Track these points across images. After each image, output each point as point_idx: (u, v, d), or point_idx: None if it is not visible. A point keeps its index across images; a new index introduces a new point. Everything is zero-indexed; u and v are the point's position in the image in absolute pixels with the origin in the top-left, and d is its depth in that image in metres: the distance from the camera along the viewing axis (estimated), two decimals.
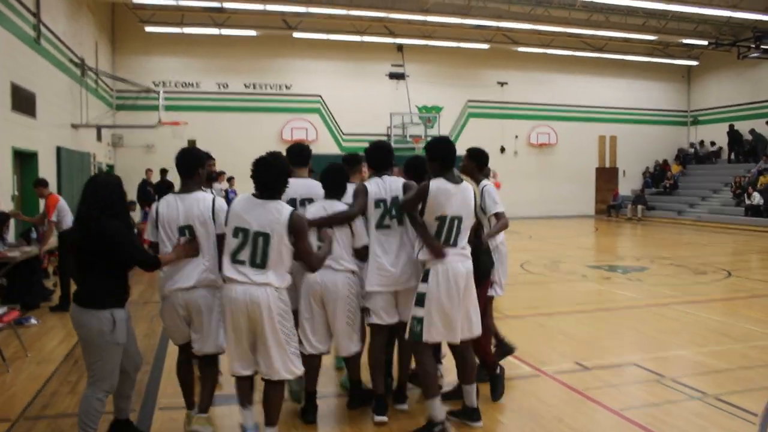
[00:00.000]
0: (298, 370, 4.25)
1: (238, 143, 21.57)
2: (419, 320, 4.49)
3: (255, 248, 4.07)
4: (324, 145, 24.31)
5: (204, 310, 4.42)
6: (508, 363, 6.35)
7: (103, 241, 3.94)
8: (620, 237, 21.46)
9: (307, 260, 4.29)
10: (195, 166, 4.53)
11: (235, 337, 4.16)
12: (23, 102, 11.85)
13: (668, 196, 28.24)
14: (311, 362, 4.79)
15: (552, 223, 25.47)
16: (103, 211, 3.98)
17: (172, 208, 4.45)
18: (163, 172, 16.60)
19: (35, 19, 12.81)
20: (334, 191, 4.99)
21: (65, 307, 9.33)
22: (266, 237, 4.05)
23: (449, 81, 26.69)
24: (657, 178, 29.69)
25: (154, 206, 4.58)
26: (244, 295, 4.03)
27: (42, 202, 10.71)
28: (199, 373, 4.73)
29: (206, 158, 4.83)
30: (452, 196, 4.58)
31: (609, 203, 28.96)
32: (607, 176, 29.76)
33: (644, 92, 29.94)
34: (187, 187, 4.52)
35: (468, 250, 4.68)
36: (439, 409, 4.55)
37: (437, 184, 4.58)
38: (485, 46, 25.55)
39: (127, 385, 4.36)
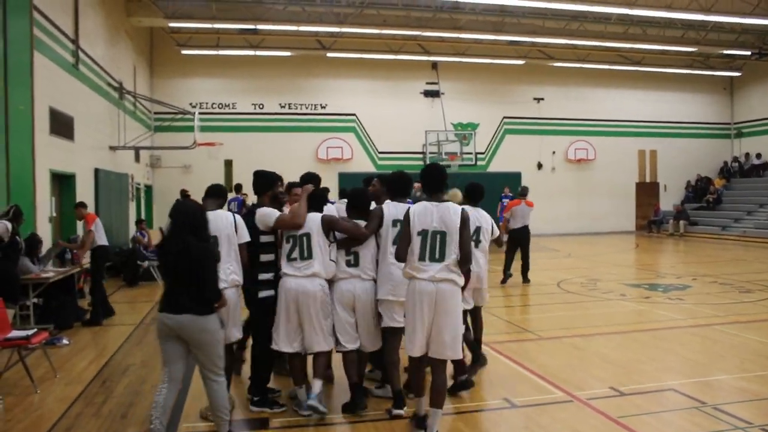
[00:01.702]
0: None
1: (273, 163, 21.31)
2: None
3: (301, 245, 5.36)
4: (359, 164, 24.38)
5: (230, 304, 5.24)
6: (538, 387, 6.20)
7: (199, 262, 4.52)
8: (661, 254, 20.93)
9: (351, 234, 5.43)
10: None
11: (286, 318, 5.34)
12: (61, 125, 12.15)
13: (711, 211, 27.48)
14: (348, 357, 5.52)
15: (591, 239, 25.00)
16: (193, 234, 4.57)
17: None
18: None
19: (74, 45, 13.16)
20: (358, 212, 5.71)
21: (97, 320, 9.59)
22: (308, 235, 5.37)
23: (485, 97, 26.56)
24: (699, 192, 28.96)
25: None
26: (296, 285, 5.29)
27: (80, 225, 10.99)
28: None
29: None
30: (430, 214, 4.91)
31: (650, 219, 28.33)
32: (647, 191, 29.14)
33: (684, 105, 29.33)
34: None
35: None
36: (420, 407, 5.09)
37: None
38: (520, 61, 25.39)
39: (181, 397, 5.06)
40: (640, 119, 28.63)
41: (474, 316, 6.82)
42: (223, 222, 5.38)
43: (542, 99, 27.29)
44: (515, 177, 26.48)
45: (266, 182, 5.72)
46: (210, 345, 4.57)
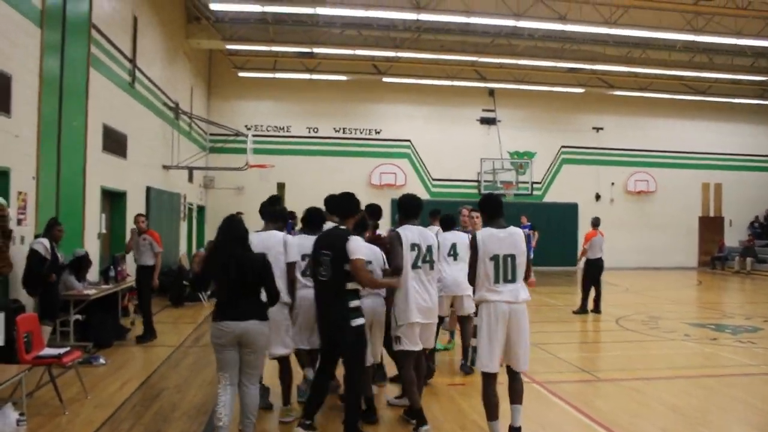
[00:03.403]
0: None
1: (326, 187, 21.38)
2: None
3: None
4: (412, 190, 23.39)
5: (276, 320, 5.56)
6: None
7: (259, 271, 5.03)
8: (727, 292, 19.82)
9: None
10: (356, 209, 5.68)
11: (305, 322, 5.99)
12: (114, 143, 12.23)
13: None
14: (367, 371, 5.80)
15: (650, 274, 23.96)
16: (244, 246, 5.12)
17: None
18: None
19: (131, 65, 13.29)
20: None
21: (149, 337, 9.55)
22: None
23: (542, 126, 26.02)
24: (766, 228, 27.56)
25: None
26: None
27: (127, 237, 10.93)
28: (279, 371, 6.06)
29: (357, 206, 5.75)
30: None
31: (714, 255, 27.05)
32: (711, 226, 27.90)
33: (753, 137, 28.16)
34: (341, 224, 5.60)
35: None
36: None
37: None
38: (580, 90, 24.81)
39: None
40: (704, 151, 27.56)
41: (463, 324, 7.93)
42: (273, 241, 5.78)
43: (602, 128, 26.57)
44: (572, 208, 25.82)
45: (353, 206, 5.62)
46: (264, 348, 5.20)
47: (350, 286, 5.29)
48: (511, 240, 5.13)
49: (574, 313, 13.15)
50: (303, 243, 5.95)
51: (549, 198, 26.01)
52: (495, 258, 5.07)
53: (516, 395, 5.22)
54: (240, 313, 4.93)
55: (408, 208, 5.87)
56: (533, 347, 7.21)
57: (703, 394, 7.22)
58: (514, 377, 5.26)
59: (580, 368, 8.60)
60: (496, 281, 5.06)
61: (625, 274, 22.63)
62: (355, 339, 5.29)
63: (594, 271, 13.26)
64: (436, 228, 7.84)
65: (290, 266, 5.81)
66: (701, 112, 27.14)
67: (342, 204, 5.64)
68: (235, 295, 4.99)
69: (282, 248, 5.75)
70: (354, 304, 5.31)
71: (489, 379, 5.11)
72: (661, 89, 25.38)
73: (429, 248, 5.74)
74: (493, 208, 5.35)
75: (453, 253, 7.62)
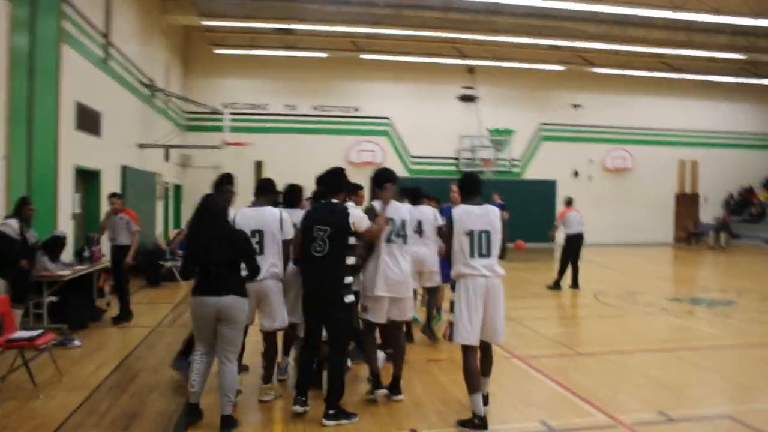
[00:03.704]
0: None
1: (304, 165, 21.35)
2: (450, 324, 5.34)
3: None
4: (391, 167, 23.82)
5: (272, 295, 5.68)
6: (577, 409, 5.67)
7: (237, 246, 5.10)
8: (703, 267, 20.05)
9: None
10: (347, 184, 5.76)
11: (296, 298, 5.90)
12: (88, 121, 11.91)
13: (754, 224, 26.42)
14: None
15: (627, 250, 24.14)
16: (223, 223, 5.18)
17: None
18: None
19: (104, 41, 12.95)
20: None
21: (126, 317, 9.40)
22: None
23: (522, 103, 25.97)
24: (740, 205, 27.89)
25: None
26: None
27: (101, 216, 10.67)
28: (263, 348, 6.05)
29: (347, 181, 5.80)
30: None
31: (689, 231, 27.35)
32: (687, 202, 28.17)
33: (731, 114, 28.36)
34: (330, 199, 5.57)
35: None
36: (480, 405, 5.11)
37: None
38: (560, 67, 24.74)
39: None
40: (681, 128, 27.73)
41: (430, 295, 8.37)
42: (268, 218, 5.72)
43: (580, 106, 26.57)
44: (550, 184, 25.87)
45: (343, 181, 5.67)
46: (236, 325, 5.10)
47: (349, 261, 5.40)
48: (486, 218, 5.24)
49: (548, 288, 13.16)
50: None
51: (528, 175, 26.04)
52: (470, 234, 5.16)
53: (486, 368, 5.43)
54: (217, 288, 5.00)
55: (380, 182, 5.89)
56: (512, 322, 7.29)
57: (684, 367, 7.27)
58: (486, 353, 5.43)
59: (560, 343, 8.62)
60: (471, 255, 5.15)
61: (603, 250, 22.78)
62: (344, 315, 5.35)
63: (573, 245, 13.27)
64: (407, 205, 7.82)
65: (286, 243, 5.78)
66: (679, 90, 27.23)
67: (333, 179, 5.63)
68: (214, 271, 5.03)
69: (278, 225, 5.71)
70: (348, 280, 5.37)
71: (469, 351, 5.16)
72: (640, 67, 25.37)
73: (403, 223, 5.85)
74: (471, 187, 5.49)
75: (419, 230, 7.77)
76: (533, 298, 12.35)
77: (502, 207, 7.22)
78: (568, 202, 13.94)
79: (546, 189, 25.80)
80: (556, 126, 26.38)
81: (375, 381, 5.90)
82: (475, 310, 5.10)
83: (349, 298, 5.37)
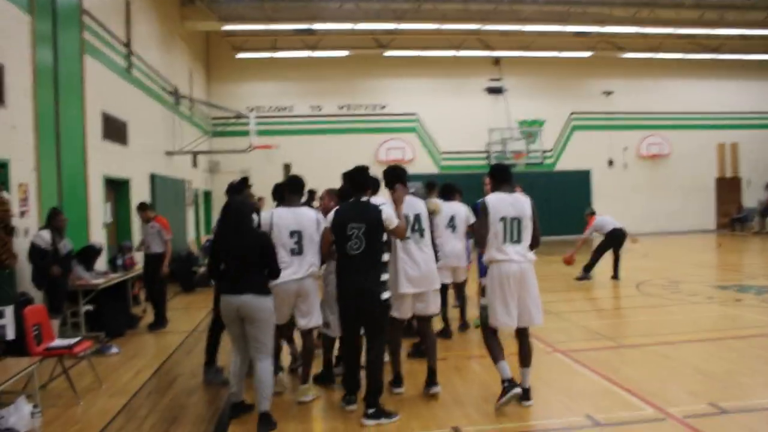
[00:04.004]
0: None
1: (333, 165, 21.21)
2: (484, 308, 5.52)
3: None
4: (421, 165, 23.74)
5: (311, 294, 5.73)
6: (625, 402, 5.45)
7: (261, 247, 5.15)
8: (748, 253, 19.45)
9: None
10: (368, 183, 5.63)
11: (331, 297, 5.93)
12: (114, 130, 12.01)
13: None
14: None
15: (668, 239, 23.60)
16: (247, 224, 5.23)
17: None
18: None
19: (126, 50, 13.03)
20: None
21: (161, 324, 9.46)
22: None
23: (551, 93, 25.54)
24: None
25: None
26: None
27: (135, 230, 10.75)
28: (301, 348, 6.04)
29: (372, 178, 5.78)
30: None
31: (732, 216, 26.61)
32: (729, 187, 27.38)
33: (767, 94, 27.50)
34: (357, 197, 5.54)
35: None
36: (505, 369, 5.29)
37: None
38: (587, 54, 24.28)
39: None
40: (718, 110, 26.95)
41: (457, 291, 8.54)
42: (306, 219, 5.73)
43: (612, 92, 26.03)
44: (585, 175, 25.43)
45: (368, 178, 5.64)
46: (262, 324, 5.10)
47: (385, 258, 5.40)
48: (518, 205, 5.40)
49: (577, 279, 12.61)
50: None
51: (561, 166, 25.61)
52: (503, 220, 5.34)
53: (525, 359, 5.50)
54: (238, 286, 5.08)
55: (391, 179, 5.79)
56: (553, 316, 7.02)
57: (734, 357, 6.97)
58: (523, 341, 5.52)
59: (603, 335, 8.36)
60: (504, 241, 5.33)
61: (643, 239, 22.19)
62: (383, 311, 5.32)
63: (614, 240, 12.75)
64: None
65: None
66: (713, 71, 26.52)
67: (359, 177, 5.59)
68: (236, 270, 5.13)
69: (315, 226, 5.72)
70: (384, 277, 5.35)
71: (491, 330, 5.45)
72: (671, 49, 24.81)
73: (417, 217, 5.80)
74: (502, 175, 5.63)
75: (451, 224, 7.94)
76: (574, 290, 12.07)
77: None
78: (591, 213, 13.58)
79: (580, 179, 25.37)
80: (587, 114, 25.91)
81: (395, 379, 5.95)
82: (510, 296, 5.29)
83: (386, 295, 5.31)
